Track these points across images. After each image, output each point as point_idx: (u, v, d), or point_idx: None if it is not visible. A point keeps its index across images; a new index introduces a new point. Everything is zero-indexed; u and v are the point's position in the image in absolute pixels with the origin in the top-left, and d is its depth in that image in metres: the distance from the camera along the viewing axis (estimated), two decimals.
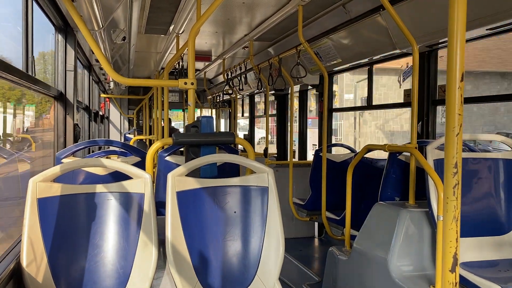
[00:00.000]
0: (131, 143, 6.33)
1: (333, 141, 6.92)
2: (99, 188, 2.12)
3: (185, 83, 2.55)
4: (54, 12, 3.25)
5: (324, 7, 4.31)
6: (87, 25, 3.01)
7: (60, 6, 3.18)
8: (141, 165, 3.05)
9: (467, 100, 3.31)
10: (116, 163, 2.20)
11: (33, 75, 2.78)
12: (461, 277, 2.28)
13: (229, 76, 7.39)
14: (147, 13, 4.56)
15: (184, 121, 11.92)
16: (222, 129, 12.34)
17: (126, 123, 11.58)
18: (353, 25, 4.09)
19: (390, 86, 19.00)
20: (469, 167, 2.77)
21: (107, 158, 4.13)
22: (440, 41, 3.41)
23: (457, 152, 1.18)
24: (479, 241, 2.69)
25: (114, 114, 11.27)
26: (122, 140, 10.47)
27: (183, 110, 11.54)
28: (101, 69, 6.55)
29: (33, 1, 2.74)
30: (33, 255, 1.95)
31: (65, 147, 3.49)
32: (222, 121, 12.67)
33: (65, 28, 3.63)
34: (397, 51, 3.83)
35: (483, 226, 2.75)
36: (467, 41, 3.45)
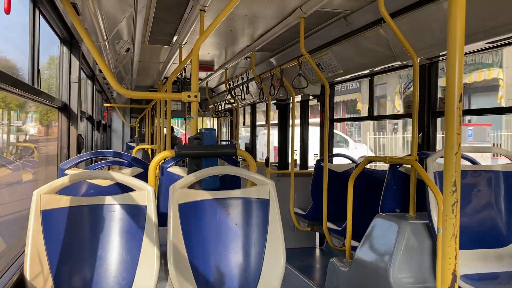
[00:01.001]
0: (133, 152, 6.37)
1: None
2: (102, 200, 2.15)
3: (189, 96, 2.58)
4: (59, 25, 3.30)
5: (326, 19, 4.36)
6: (92, 37, 3.06)
7: (66, 19, 3.23)
8: (143, 176, 3.08)
9: (466, 113, 3.34)
10: (119, 176, 2.23)
11: (39, 87, 2.82)
12: None
13: (231, 86, 7.44)
14: (151, 24, 4.61)
15: (185, 130, 11.97)
16: (224, 138, 12.37)
17: (128, 132, 11.62)
18: (354, 37, 4.13)
19: None
20: (469, 179, 2.79)
21: (109, 168, 4.16)
22: (440, 54, 3.44)
23: (455, 171, 1.20)
24: (479, 253, 2.70)
25: (117, 122, 11.32)
26: (124, 149, 10.50)
27: (185, 119, 11.58)
28: (105, 79, 6.59)
29: (40, 15, 2.79)
30: (37, 267, 1.97)
31: (68, 158, 3.51)
32: (224, 130, 12.70)
33: (70, 40, 3.68)
34: (398, 63, 3.87)
35: (483, 238, 2.76)
36: (466, 54, 3.49)
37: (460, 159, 1.23)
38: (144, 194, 2.15)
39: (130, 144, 10.07)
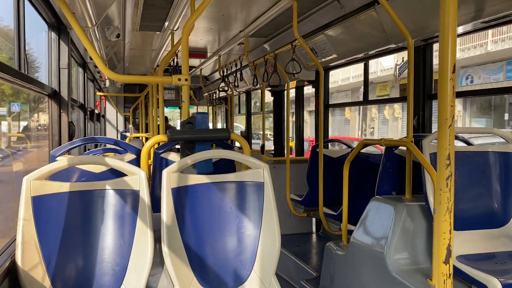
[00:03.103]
0: (127, 141, 6.32)
1: None
2: (94, 185, 2.12)
3: (179, 79, 2.54)
4: (46, 10, 3.23)
5: (319, 2, 4.30)
6: (80, 23, 2.99)
7: (53, 3, 3.16)
8: (136, 162, 3.04)
9: (460, 94, 3.31)
10: (110, 161, 2.20)
11: (26, 73, 2.76)
12: (457, 269, 2.29)
13: (225, 73, 7.37)
14: (141, 10, 4.53)
15: (180, 118, 11.90)
16: (219, 127, 12.32)
17: (123, 121, 11.55)
18: (348, 20, 4.07)
19: None
20: (465, 160, 2.77)
21: (102, 156, 4.11)
22: (435, 35, 3.40)
23: (449, 144, 1.17)
24: (476, 234, 2.69)
25: (110, 112, 11.24)
26: (119, 138, 10.44)
27: (180, 108, 11.51)
28: (96, 67, 6.51)
29: None
30: (29, 254, 1.94)
31: (60, 145, 3.47)
32: (219, 118, 12.64)
33: (58, 25, 3.61)
34: (393, 45, 3.83)
35: (479, 219, 2.75)
36: (460, 35, 3.45)
37: (454, 132, 1.20)
38: (136, 178, 2.12)
39: (124, 134, 10.02)
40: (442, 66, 1.18)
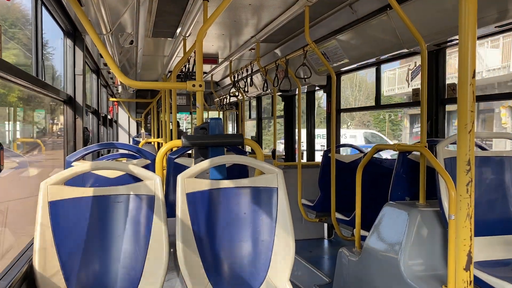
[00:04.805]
0: (139, 146, 6.37)
1: None
2: (110, 190, 2.13)
3: (193, 85, 2.56)
4: (62, 17, 3.28)
5: (331, 7, 4.31)
6: (95, 29, 3.04)
7: (69, 11, 3.21)
8: (150, 167, 3.06)
9: (479, 98, 3.28)
10: (126, 166, 2.22)
11: (43, 79, 2.80)
12: (474, 276, 2.26)
13: (236, 78, 7.40)
14: (154, 16, 4.58)
15: (191, 123, 11.95)
16: (230, 132, 12.34)
17: (135, 127, 11.64)
18: (360, 25, 4.07)
19: None
20: (480, 165, 2.75)
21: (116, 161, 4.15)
22: (448, 39, 3.38)
23: (469, 149, 1.16)
24: (491, 240, 2.66)
25: (123, 117, 11.34)
26: (131, 143, 10.52)
27: (191, 113, 11.57)
28: (109, 73, 6.58)
29: (42, 7, 2.77)
30: (46, 258, 1.96)
31: (75, 150, 3.51)
32: (230, 123, 12.67)
33: (73, 32, 3.66)
34: (405, 50, 3.81)
35: (494, 225, 2.72)
36: (480, 37, 3.42)
37: (474, 137, 1.19)
38: (152, 183, 2.14)
39: (136, 139, 10.09)
40: (462, 71, 1.17)
